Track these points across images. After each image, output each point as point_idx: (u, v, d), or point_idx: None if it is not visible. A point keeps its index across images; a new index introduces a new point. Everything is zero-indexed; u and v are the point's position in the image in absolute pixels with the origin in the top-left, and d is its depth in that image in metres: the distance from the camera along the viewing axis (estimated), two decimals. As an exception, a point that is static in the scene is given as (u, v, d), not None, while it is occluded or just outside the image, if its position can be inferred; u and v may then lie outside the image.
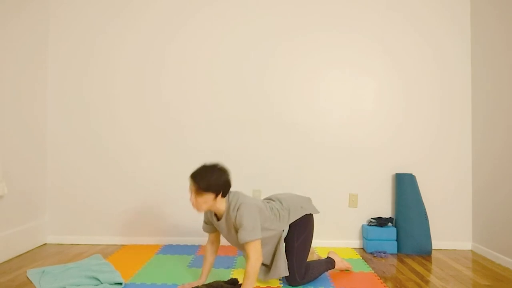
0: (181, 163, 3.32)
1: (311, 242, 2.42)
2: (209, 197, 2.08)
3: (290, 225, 2.33)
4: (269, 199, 2.42)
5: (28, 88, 3.10)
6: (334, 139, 3.33)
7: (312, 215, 2.43)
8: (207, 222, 2.34)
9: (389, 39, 3.34)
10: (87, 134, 3.33)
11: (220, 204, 2.14)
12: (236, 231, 2.13)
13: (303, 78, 3.34)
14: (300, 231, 2.34)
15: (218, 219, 2.23)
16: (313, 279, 2.36)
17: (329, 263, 2.51)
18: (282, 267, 2.25)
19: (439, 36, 3.35)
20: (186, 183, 3.29)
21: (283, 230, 2.30)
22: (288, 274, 2.27)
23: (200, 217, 3.31)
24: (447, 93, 3.34)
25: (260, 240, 2.10)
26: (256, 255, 2.05)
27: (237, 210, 2.09)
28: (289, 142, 3.32)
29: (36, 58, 3.20)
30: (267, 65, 3.34)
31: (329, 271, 2.59)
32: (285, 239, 2.33)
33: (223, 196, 2.12)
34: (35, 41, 3.18)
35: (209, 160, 3.27)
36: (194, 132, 3.34)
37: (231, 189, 2.20)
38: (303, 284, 2.32)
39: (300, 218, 2.35)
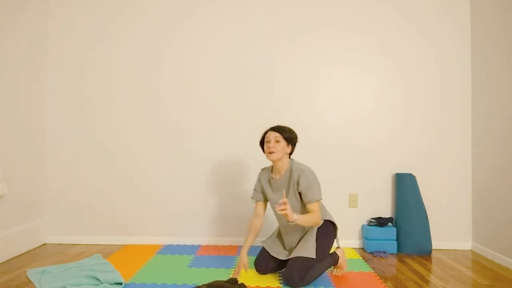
0: (180, 163, 3.32)
1: (325, 254, 2.41)
2: (285, 147, 2.35)
3: (318, 229, 2.40)
4: None
5: (28, 88, 3.10)
6: (334, 139, 3.33)
7: (336, 235, 2.51)
8: (257, 189, 2.53)
9: (389, 39, 3.34)
10: (87, 134, 3.33)
11: (286, 160, 2.39)
12: (293, 191, 2.32)
13: (303, 78, 3.34)
14: (319, 238, 2.37)
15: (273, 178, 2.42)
16: (312, 280, 2.33)
17: (333, 260, 2.48)
18: (310, 249, 2.32)
19: (439, 36, 3.35)
20: (186, 183, 3.31)
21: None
22: (314, 257, 2.31)
23: (200, 216, 3.31)
24: (447, 93, 3.34)
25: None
26: (319, 214, 2.30)
27: (301, 173, 2.28)
28: (289, 142, 3.32)
29: (36, 58, 3.20)
30: (268, 65, 3.34)
31: (329, 272, 2.59)
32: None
33: (291, 153, 2.42)
34: (35, 41, 3.18)
35: (209, 159, 3.30)
36: (193, 132, 3.34)
37: None
38: (301, 286, 2.28)
39: (330, 223, 2.46)
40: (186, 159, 3.32)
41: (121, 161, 3.33)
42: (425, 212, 3.16)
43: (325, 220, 2.43)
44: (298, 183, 2.31)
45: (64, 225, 3.32)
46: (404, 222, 3.14)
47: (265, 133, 2.43)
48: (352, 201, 3.33)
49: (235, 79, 3.34)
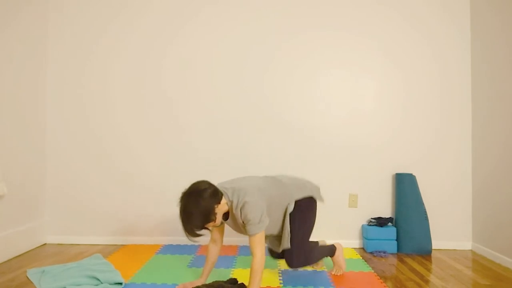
0: (180, 163, 3.32)
1: (313, 226, 2.43)
2: (211, 222, 2.06)
3: (294, 205, 2.33)
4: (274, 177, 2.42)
5: (27, 88, 3.10)
6: (334, 139, 3.33)
7: (316, 201, 2.44)
8: None
9: (389, 39, 3.34)
10: (86, 134, 3.33)
11: (223, 208, 2.13)
12: (244, 225, 2.15)
13: (303, 78, 3.34)
14: (302, 213, 2.34)
15: (225, 218, 2.24)
16: (310, 263, 2.39)
17: (331, 250, 2.54)
18: (286, 239, 2.29)
19: (439, 36, 3.35)
20: (186, 183, 3.29)
21: (288, 204, 2.31)
22: (289, 247, 2.29)
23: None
24: (447, 93, 3.34)
25: (264, 230, 2.14)
26: (261, 251, 2.07)
27: (241, 208, 2.10)
28: (289, 142, 3.32)
29: (35, 59, 3.20)
30: (268, 65, 3.34)
31: (329, 271, 2.60)
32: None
33: (219, 202, 2.10)
34: (35, 41, 3.18)
35: (209, 159, 3.30)
36: (193, 132, 3.34)
37: (225, 184, 2.21)
38: (300, 266, 2.34)
39: (304, 198, 2.36)
40: (186, 159, 3.32)
41: (121, 161, 3.33)
42: (425, 212, 3.16)
43: (296, 201, 2.33)
44: (242, 220, 2.15)
45: (64, 225, 3.32)
46: (404, 222, 3.14)
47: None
48: (352, 201, 3.33)
49: (235, 79, 3.34)
